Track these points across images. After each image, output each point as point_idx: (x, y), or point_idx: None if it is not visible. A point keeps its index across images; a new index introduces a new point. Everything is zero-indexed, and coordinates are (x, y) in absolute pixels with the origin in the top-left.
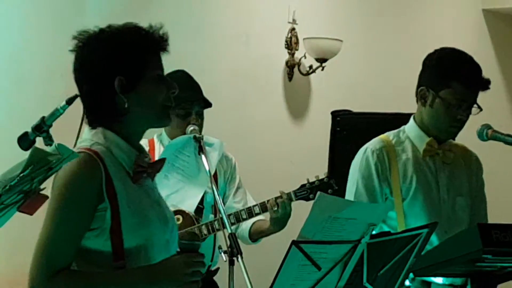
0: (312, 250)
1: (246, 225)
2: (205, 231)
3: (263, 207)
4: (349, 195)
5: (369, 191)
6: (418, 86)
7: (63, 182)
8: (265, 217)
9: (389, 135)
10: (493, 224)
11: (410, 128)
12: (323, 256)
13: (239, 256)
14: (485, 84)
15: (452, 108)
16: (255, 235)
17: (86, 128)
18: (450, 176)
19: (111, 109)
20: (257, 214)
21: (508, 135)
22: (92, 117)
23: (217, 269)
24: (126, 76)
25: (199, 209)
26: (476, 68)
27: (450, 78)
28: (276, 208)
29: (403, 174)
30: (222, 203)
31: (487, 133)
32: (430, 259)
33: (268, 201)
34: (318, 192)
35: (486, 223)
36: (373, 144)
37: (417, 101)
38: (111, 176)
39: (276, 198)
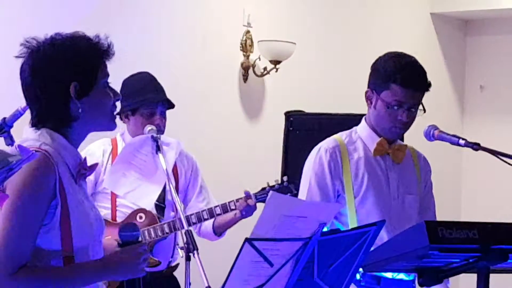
0: (265, 247)
1: (209, 222)
2: (166, 229)
3: (224, 208)
4: (303, 192)
5: (321, 189)
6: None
7: (21, 179)
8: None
9: (342, 135)
10: (439, 221)
11: (362, 128)
12: (275, 253)
13: (195, 252)
14: (423, 86)
15: (392, 109)
16: (220, 229)
17: (27, 128)
18: (400, 175)
19: (64, 114)
20: (218, 215)
21: (454, 136)
22: (40, 120)
23: (177, 264)
24: (80, 82)
25: (161, 208)
26: (416, 70)
27: (388, 80)
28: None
29: (355, 172)
30: (179, 201)
31: (433, 134)
32: (379, 255)
33: (237, 200)
34: (271, 191)
35: (432, 220)
36: (326, 143)
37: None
38: (61, 176)
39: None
